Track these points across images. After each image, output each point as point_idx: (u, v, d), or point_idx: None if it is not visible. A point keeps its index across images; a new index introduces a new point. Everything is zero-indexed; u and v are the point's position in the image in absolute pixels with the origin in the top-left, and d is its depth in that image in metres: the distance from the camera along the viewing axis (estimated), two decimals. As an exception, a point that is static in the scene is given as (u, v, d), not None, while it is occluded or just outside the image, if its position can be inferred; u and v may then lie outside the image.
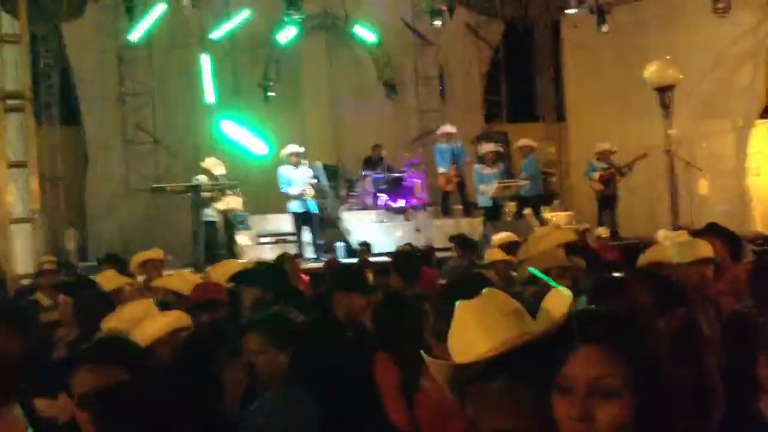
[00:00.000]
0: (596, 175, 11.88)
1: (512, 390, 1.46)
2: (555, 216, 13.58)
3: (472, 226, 11.41)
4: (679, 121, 11.47)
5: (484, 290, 1.61)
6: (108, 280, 4.94)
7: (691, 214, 10.94)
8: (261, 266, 5.08)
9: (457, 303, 1.57)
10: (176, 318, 3.32)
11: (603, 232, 9.76)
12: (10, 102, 9.15)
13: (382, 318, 3.29)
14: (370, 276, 5.40)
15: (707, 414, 2.19)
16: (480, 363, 1.45)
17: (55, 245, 11.42)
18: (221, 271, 4.88)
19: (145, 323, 3.14)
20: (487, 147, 12.10)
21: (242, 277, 4.45)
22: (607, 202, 11.89)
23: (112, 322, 3.21)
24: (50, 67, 12.63)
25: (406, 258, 5.40)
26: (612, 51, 14.16)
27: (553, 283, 3.47)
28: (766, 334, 1.65)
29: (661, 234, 6.37)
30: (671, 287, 2.60)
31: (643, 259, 4.20)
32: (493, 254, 5.50)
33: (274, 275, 4.62)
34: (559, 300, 1.50)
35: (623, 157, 11.68)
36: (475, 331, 1.49)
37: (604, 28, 13.74)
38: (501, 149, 12.25)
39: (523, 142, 12.02)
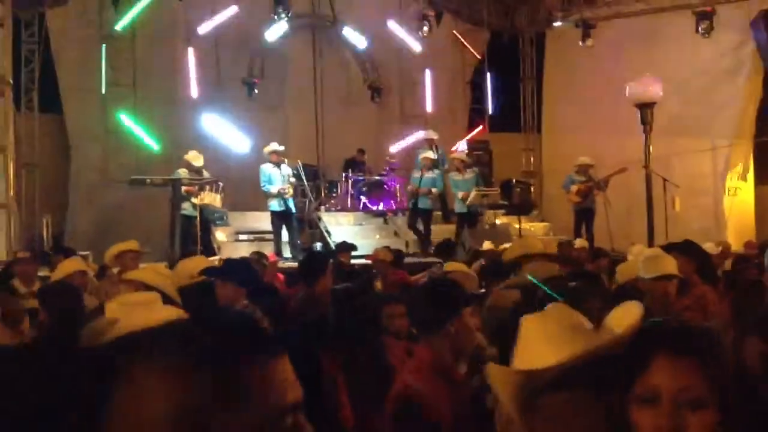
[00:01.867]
0: (574, 188, 11.99)
1: (580, 401, 1.46)
2: (532, 226, 13.70)
3: (450, 232, 11.46)
4: (656, 138, 11.61)
5: (550, 305, 1.62)
6: (60, 268, 5.18)
7: (666, 230, 11.06)
8: (234, 262, 5.05)
9: (524, 316, 1.57)
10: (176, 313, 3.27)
11: (582, 243, 9.82)
12: (-11, 86, 9.05)
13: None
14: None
15: None
16: (551, 371, 1.44)
17: (29, 233, 11.28)
18: (189, 267, 4.87)
19: (144, 312, 3.09)
20: (457, 155, 12.19)
21: (216, 271, 4.42)
22: (584, 215, 12.01)
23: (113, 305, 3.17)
24: (32, 54, 12.48)
25: (309, 259, 5.39)
26: (594, 65, 14.33)
27: (549, 292, 3.52)
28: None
29: (634, 249, 6.47)
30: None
31: (621, 276, 4.26)
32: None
33: (248, 272, 4.61)
34: (629, 311, 1.49)
35: (600, 171, 11.81)
36: (543, 345, 1.49)
37: (589, 42, 13.90)
38: (466, 158, 12.29)
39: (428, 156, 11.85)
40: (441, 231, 11.87)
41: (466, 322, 2.80)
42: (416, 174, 11.61)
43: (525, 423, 1.50)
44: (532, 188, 15.18)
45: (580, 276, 4.82)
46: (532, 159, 16.74)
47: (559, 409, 1.46)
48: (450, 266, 5.43)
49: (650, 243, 9.99)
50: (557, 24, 15.07)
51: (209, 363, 0.86)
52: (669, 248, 4.37)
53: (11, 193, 9.09)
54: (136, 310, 2.98)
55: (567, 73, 15.30)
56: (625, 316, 1.48)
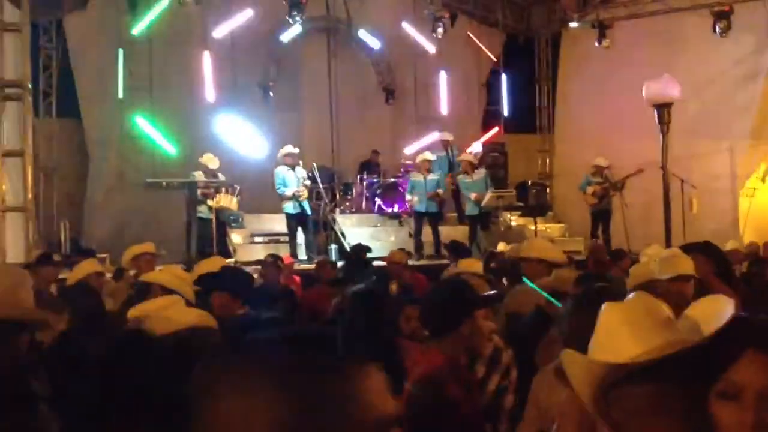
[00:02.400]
0: (591, 189, 11.93)
1: (662, 395, 1.44)
2: (548, 228, 13.65)
3: (465, 234, 11.44)
4: (674, 139, 11.51)
5: (633, 294, 1.60)
6: (76, 270, 5.22)
7: (684, 231, 10.97)
8: (229, 271, 5.02)
9: (605, 304, 1.55)
10: (200, 316, 3.22)
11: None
12: (8, 91, 9.14)
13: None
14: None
15: None
16: (640, 365, 1.42)
17: (47, 236, 11.39)
18: (207, 268, 4.90)
19: (169, 312, 3.06)
20: (464, 157, 12.15)
21: (209, 281, 4.40)
22: (600, 216, 11.95)
23: (136, 311, 3.17)
24: (50, 59, 12.62)
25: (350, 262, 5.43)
26: (610, 66, 14.22)
27: (549, 297, 3.50)
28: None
29: (649, 251, 6.40)
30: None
31: (633, 279, 4.20)
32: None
33: (241, 281, 4.56)
34: (717, 305, 1.47)
35: (616, 172, 11.74)
36: (625, 335, 1.47)
37: (605, 43, 13.81)
38: (474, 159, 12.23)
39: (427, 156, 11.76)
40: (455, 233, 11.85)
41: (479, 324, 2.78)
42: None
43: (599, 413, 1.48)
44: (547, 189, 15.14)
45: (592, 279, 4.80)
46: (547, 160, 16.66)
47: (642, 402, 1.45)
48: (463, 264, 5.40)
49: (667, 244, 9.90)
50: (573, 25, 14.99)
51: (304, 380, 0.83)
52: (687, 249, 4.31)
53: (30, 196, 9.18)
54: (163, 312, 2.98)
55: (583, 73, 15.22)
56: (712, 311, 1.46)
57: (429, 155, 11.66)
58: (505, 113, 16.31)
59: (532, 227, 11.84)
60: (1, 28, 9.04)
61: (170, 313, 2.97)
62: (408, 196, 11.52)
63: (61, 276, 6.64)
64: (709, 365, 1.35)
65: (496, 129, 16.27)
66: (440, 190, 11.36)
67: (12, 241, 9.09)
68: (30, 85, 9.45)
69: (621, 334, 1.48)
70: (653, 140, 11.03)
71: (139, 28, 12.69)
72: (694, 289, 3.74)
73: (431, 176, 11.36)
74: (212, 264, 5.00)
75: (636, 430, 1.46)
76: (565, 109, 15.87)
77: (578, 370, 1.49)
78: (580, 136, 14.96)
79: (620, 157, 12.35)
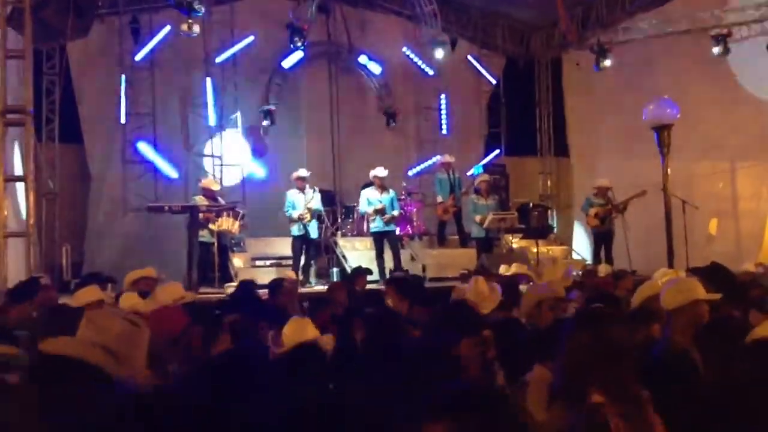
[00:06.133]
0: (593, 211, 11.90)
1: None
2: (551, 249, 13.61)
3: (467, 257, 11.40)
4: (678, 161, 11.53)
5: None
6: (79, 296, 5.20)
7: (687, 253, 10.93)
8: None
9: None
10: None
11: (605, 269, 9.64)
12: (10, 116, 9.17)
13: None
14: None
15: None
16: None
17: (49, 261, 11.36)
18: (167, 292, 4.98)
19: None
20: (482, 178, 12.16)
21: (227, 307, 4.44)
22: (603, 238, 11.90)
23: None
24: (53, 84, 12.69)
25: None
26: (613, 89, 14.29)
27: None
28: None
29: (658, 273, 6.37)
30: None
31: (639, 296, 4.19)
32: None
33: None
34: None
35: (622, 194, 11.71)
36: None
37: (606, 63, 13.86)
38: (492, 180, 12.21)
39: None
40: (458, 255, 11.82)
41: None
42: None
43: None
44: (548, 212, 15.13)
45: (601, 299, 4.77)
46: (548, 182, 16.68)
47: None
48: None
49: (669, 266, 9.86)
50: (573, 50, 15.12)
51: None
52: (693, 273, 4.29)
53: (31, 222, 9.16)
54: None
55: (587, 97, 15.28)
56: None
57: (380, 171, 11.10)
58: (506, 135, 16.37)
59: (534, 249, 11.79)
60: (3, 55, 9.08)
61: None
62: (366, 209, 11.04)
63: (61, 301, 6.60)
64: None
65: (497, 151, 16.31)
66: (395, 212, 11.08)
67: (13, 266, 9.05)
68: (32, 111, 9.47)
69: None
70: (658, 162, 11.07)
71: (141, 54, 12.78)
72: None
73: (385, 194, 11.03)
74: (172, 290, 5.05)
75: None
76: (575, 135, 15.92)
77: None
78: (591, 160, 15.00)
79: (626, 179, 12.33)
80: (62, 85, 12.55)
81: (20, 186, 9.25)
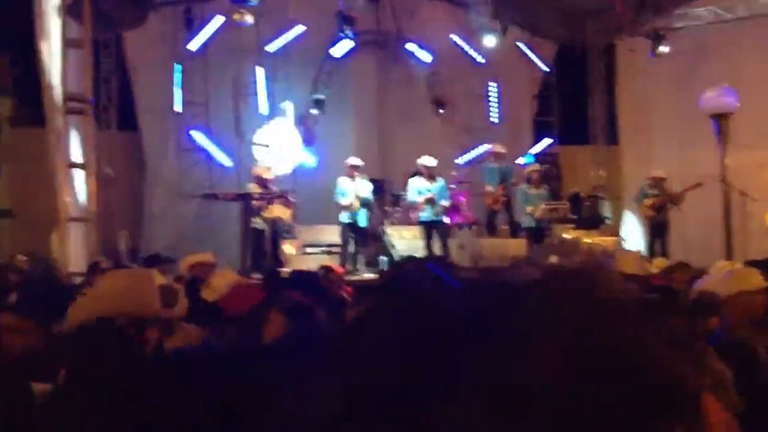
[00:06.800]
0: (648, 201, 11.66)
1: None
2: (602, 241, 13.38)
3: (517, 247, 11.31)
4: (738, 150, 11.19)
5: None
6: None
7: (744, 245, 10.65)
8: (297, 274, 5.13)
9: None
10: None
11: (660, 263, 9.44)
12: (71, 104, 9.44)
13: None
14: None
15: None
16: None
17: (108, 246, 11.69)
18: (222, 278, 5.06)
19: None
20: (533, 167, 12.01)
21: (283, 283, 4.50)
22: (658, 229, 11.66)
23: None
24: (110, 74, 13.01)
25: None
26: (669, 76, 13.92)
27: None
28: None
29: (717, 265, 6.21)
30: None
31: (696, 289, 4.12)
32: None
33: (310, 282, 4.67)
34: None
35: (677, 185, 11.45)
36: None
37: (663, 48, 13.51)
38: (544, 170, 12.03)
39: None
40: (509, 246, 11.73)
41: None
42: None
43: None
44: (600, 202, 14.87)
45: (657, 290, 4.68)
46: (601, 172, 16.39)
47: None
48: None
49: (728, 258, 9.61)
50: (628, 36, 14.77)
51: None
52: (751, 266, 4.21)
53: (92, 207, 9.45)
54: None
55: (641, 85, 14.93)
56: None
57: (428, 160, 11.05)
58: (558, 124, 16.12)
59: (586, 240, 11.62)
60: (65, 44, 9.35)
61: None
62: (415, 198, 10.96)
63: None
64: None
65: (548, 140, 16.08)
66: (444, 202, 10.90)
67: (73, 251, 9.35)
68: (92, 100, 9.75)
69: None
70: (715, 152, 10.77)
71: (195, 44, 12.99)
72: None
73: (434, 183, 10.95)
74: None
75: None
76: (627, 123, 15.55)
77: None
78: (644, 148, 14.67)
79: (682, 169, 12.04)
80: (119, 74, 12.86)
81: (78, 172, 9.53)
